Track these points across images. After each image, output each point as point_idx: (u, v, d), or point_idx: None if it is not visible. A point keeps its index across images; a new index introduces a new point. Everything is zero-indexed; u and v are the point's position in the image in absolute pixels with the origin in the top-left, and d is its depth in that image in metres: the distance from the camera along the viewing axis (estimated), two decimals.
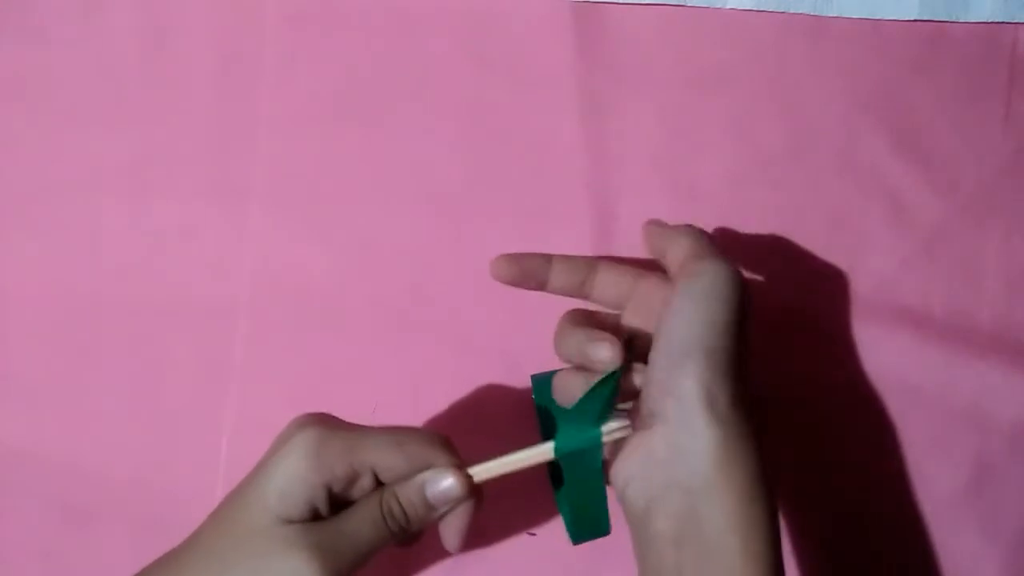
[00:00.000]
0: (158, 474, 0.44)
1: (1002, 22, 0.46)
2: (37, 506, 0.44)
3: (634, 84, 0.46)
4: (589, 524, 0.37)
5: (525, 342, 0.44)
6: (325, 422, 0.35)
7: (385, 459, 0.34)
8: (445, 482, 0.34)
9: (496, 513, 0.43)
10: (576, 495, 0.36)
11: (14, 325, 0.45)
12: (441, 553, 0.42)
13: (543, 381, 0.38)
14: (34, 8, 0.46)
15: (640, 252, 0.44)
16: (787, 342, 0.44)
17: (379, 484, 0.35)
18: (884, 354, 0.44)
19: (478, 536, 0.43)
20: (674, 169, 0.45)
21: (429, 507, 0.35)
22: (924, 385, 0.44)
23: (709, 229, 0.45)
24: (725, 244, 0.45)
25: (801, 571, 0.43)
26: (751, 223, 0.45)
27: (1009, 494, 0.43)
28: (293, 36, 0.46)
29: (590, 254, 0.44)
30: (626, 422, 0.35)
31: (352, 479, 0.34)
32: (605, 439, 0.35)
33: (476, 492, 0.35)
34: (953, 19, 0.45)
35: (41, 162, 0.46)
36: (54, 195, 0.46)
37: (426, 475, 0.34)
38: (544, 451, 0.35)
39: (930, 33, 0.46)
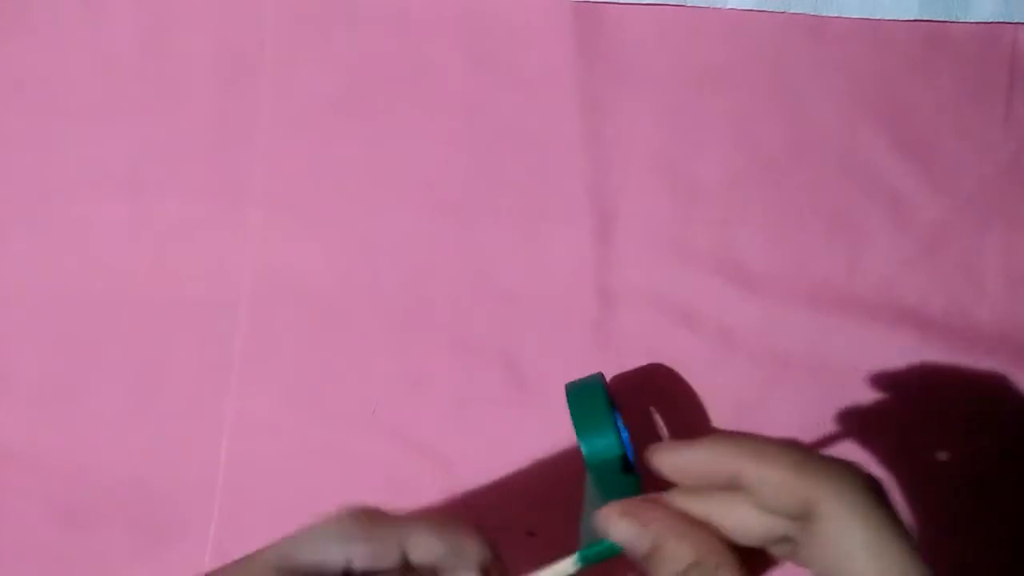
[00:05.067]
0: (158, 474, 0.44)
1: (1002, 22, 0.45)
2: (37, 507, 0.44)
3: (634, 84, 0.46)
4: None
5: (525, 342, 0.44)
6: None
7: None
8: None
9: (496, 513, 0.43)
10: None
11: (14, 325, 0.45)
12: None
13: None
14: (34, 8, 0.46)
15: (639, 252, 0.45)
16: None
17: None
18: (884, 354, 0.44)
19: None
20: (674, 169, 0.45)
21: None
22: (924, 385, 0.44)
23: (709, 229, 0.45)
24: (724, 245, 0.45)
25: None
26: (751, 223, 0.45)
27: (1008, 496, 0.43)
28: (293, 36, 0.46)
29: (590, 254, 0.44)
30: None
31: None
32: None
33: None
34: (953, 19, 0.45)
35: (41, 162, 0.46)
36: (54, 195, 0.46)
37: None
38: (568, 565, 0.33)
39: (930, 33, 0.46)
